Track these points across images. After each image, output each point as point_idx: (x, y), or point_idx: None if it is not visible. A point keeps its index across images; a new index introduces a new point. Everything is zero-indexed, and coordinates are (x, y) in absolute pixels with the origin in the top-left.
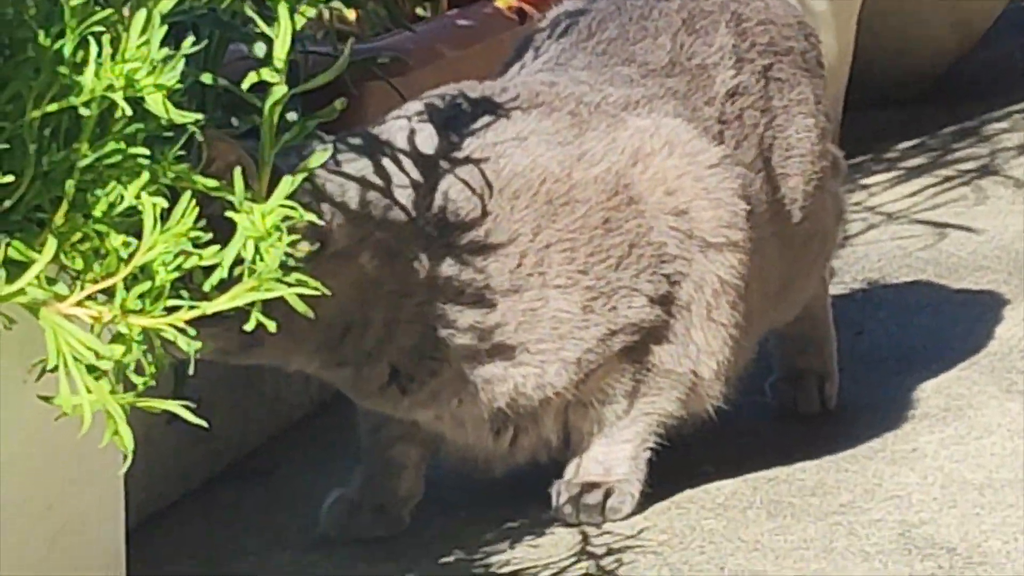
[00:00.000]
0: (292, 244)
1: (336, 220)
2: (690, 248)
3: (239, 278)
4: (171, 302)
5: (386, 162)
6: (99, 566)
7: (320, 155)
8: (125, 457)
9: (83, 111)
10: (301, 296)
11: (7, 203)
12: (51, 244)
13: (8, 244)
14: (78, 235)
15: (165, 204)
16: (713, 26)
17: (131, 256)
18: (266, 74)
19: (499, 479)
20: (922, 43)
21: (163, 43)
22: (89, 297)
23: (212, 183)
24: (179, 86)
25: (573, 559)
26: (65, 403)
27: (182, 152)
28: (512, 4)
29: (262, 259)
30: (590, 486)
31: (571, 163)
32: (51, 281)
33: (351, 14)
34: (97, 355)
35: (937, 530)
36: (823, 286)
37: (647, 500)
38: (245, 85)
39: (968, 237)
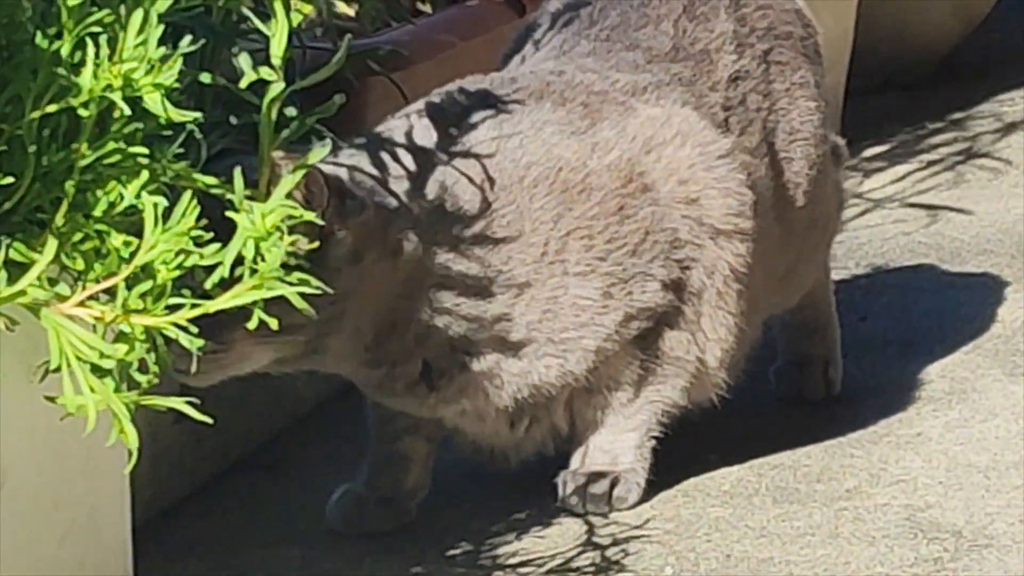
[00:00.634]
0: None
1: (395, 225)
2: (700, 235)
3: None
4: (172, 300)
5: (408, 159)
6: (107, 564)
7: (319, 152)
8: (130, 455)
9: (82, 111)
10: (303, 295)
11: (7, 204)
12: (52, 245)
13: (9, 245)
14: (79, 235)
15: (165, 203)
16: (713, 12)
17: (132, 255)
18: (263, 71)
19: (504, 471)
20: (923, 27)
21: (161, 42)
22: (91, 297)
23: (211, 180)
24: (177, 85)
25: (579, 549)
26: (70, 403)
27: (181, 150)
28: None
29: (263, 259)
30: (596, 476)
31: (585, 152)
32: (52, 282)
33: (350, 10)
34: (101, 355)
35: (942, 513)
36: (826, 272)
37: (652, 489)
38: (243, 83)
39: (970, 221)
